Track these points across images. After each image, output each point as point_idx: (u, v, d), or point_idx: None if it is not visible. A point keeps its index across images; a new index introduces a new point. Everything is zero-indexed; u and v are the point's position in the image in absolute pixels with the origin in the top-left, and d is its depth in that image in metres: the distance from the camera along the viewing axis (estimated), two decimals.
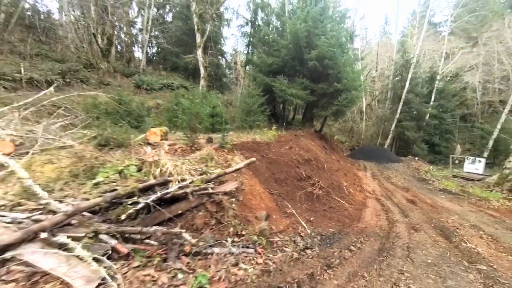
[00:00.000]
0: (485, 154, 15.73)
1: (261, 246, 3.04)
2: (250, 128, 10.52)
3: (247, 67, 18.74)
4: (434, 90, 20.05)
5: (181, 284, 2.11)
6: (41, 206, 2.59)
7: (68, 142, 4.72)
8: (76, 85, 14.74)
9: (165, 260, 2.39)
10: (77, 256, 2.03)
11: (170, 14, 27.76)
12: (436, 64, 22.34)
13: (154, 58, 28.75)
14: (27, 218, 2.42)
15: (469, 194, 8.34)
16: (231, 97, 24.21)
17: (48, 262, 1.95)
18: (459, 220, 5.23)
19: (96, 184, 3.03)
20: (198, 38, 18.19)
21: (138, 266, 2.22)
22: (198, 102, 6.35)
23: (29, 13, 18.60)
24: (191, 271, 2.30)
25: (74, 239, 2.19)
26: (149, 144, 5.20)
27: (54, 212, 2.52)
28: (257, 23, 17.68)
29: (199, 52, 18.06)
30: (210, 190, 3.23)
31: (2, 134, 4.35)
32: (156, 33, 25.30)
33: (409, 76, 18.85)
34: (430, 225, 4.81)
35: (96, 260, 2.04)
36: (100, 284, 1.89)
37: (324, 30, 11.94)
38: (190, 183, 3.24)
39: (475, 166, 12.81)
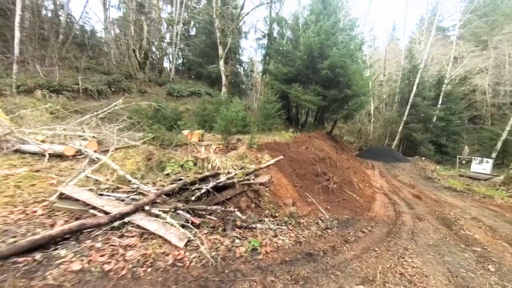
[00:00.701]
0: (494, 155, 15.09)
1: (291, 225, 3.59)
2: (269, 130, 11.07)
3: (264, 76, 19.24)
4: (442, 93, 19.41)
5: (239, 246, 2.71)
6: (133, 189, 3.32)
7: (131, 142, 5.56)
8: (120, 94, 16.08)
9: (224, 230, 3.01)
10: (168, 223, 2.70)
11: (194, 29, 29.01)
12: (444, 68, 21.55)
13: (180, 68, 30.18)
14: (127, 197, 3.15)
15: (474, 192, 8.30)
16: (248, 102, 24.89)
17: (152, 225, 2.64)
18: (461, 213, 5.43)
19: (167, 174, 3.74)
20: (220, 50, 18.98)
21: (207, 233, 2.86)
22: (233, 110, 6.96)
23: (78, 32, 20.32)
24: (244, 238, 2.90)
25: (163, 212, 2.87)
26: (190, 144, 5.92)
27: (143, 194, 3.23)
28: (273, 36, 18.18)
29: (221, 62, 18.85)
30: (251, 181, 3.83)
31: (87, 136, 5.25)
32: (182, 46, 26.60)
33: (417, 81, 18.43)
34: (433, 216, 5.08)
35: (182, 226, 2.70)
36: (187, 242, 2.54)
37: (336, 41, 12.20)
38: (234, 175, 3.85)
39: (482, 166, 12.42)
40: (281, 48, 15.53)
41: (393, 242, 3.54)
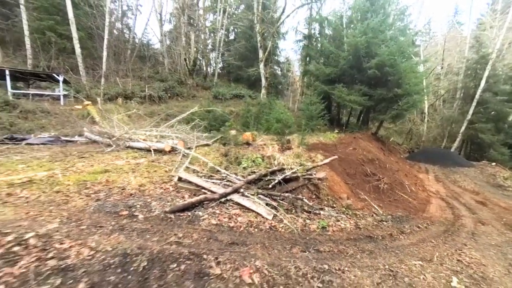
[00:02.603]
0: None
1: (348, 215, 4.24)
2: (311, 131, 11.59)
3: (304, 77, 19.61)
4: None
5: (311, 224, 3.54)
6: (223, 177, 4.46)
7: (204, 141, 6.91)
8: (174, 98, 18.68)
9: (295, 212, 3.87)
10: (257, 202, 3.69)
11: (233, 34, 31.05)
12: None
13: (220, 71, 32.69)
14: (220, 183, 4.29)
15: None
16: (286, 102, 25.52)
17: (246, 203, 3.67)
18: None
19: (244, 167, 4.81)
20: (260, 54, 20.12)
21: (283, 213, 3.76)
22: (288, 114, 7.82)
23: (139, 46, 24.00)
24: (312, 219, 3.71)
25: (251, 195, 3.89)
26: (248, 144, 7.01)
27: (231, 181, 4.34)
28: (314, 36, 18.43)
29: (261, 65, 19.97)
30: (313, 176, 4.61)
31: (173, 136, 6.80)
32: (223, 51, 28.82)
33: (486, 74, 16.20)
34: (499, 222, 4.98)
35: (267, 204, 3.66)
36: (273, 216, 3.48)
37: (384, 39, 11.91)
38: (296, 170, 4.69)
39: None
40: (322, 49, 15.73)
41: (450, 238, 3.86)
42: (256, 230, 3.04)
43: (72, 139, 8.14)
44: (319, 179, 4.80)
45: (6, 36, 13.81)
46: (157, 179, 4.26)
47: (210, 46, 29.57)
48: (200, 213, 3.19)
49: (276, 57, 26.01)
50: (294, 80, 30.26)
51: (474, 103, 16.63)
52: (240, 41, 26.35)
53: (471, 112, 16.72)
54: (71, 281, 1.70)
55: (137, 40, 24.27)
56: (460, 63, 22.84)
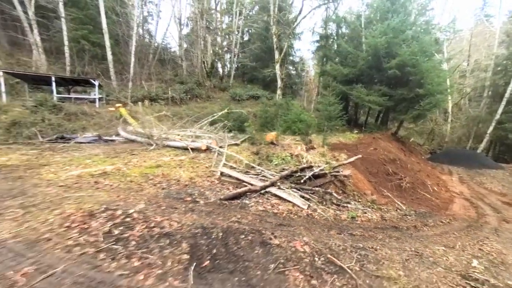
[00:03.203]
0: None
1: (373, 208, 4.69)
2: (330, 131, 11.95)
3: (321, 77, 19.87)
4: None
5: (341, 214, 4.05)
6: (258, 173, 5.08)
7: (232, 141, 7.57)
8: (193, 100, 19.71)
9: (325, 204, 4.40)
10: (292, 194, 4.26)
11: (247, 35, 31.84)
12: None
13: (234, 72, 33.59)
14: (256, 177, 4.91)
15: None
16: (302, 102, 25.82)
17: (283, 194, 4.25)
18: None
19: (276, 164, 5.41)
20: (276, 55, 20.61)
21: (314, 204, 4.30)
22: (312, 115, 8.33)
23: (159, 50, 25.34)
24: (342, 211, 4.22)
25: (286, 188, 4.46)
26: (272, 143, 7.58)
27: (265, 177, 4.94)
28: (332, 37, 18.66)
29: (277, 66, 20.47)
30: (339, 173, 5.10)
31: (206, 136, 7.54)
32: (239, 52, 29.65)
33: None
34: None
35: (301, 196, 4.23)
36: (308, 207, 4.03)
37: (406, 38, 11.99)
38: (324, 168, 5.20)
39: None
40: (340, 49, 15.97)
41: (473, 232, 4.19)
42: (296, 216, 3.61)
43: (112, 138, 9.19)
44: (345, 176, 5.28)
45: (47, 45, 15.45)
46: (202, 173, 4.96)
47: (225, 48, 30.50)
48: (247, 201, 3.82)
49: (291, 57, 26.41)
50: (310, 80, 30.43)
51: (503, 102, 16.05)
52: (255, 42, 27.03)
53: (500, 111, 16.15)
54: (175, 242, 2.38)
55: (157, 44, 25.73)
56: (488, 59, 21.91)
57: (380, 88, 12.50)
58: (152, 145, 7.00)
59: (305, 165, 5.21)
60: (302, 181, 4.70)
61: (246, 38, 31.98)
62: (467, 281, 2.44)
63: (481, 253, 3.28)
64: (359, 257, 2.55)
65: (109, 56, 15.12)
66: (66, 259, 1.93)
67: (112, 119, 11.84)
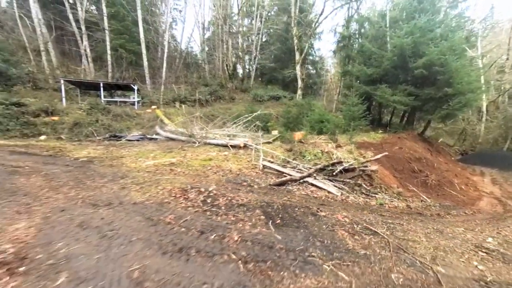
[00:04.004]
0: None
1: (399, 199, 5.37)
2: (353, 131, 12.47)
3: (343, 78, 20.22)
4: None
5: (370, 201, 4.82)
6: (294, 166, 5.98)
7: (262, 139, 8.53)
8: (217, 101, 21.08)
9: (356, 193, 5.18)
10: (326, 183, 5.11)
11: (265, 37, 32.82)
12: None
13: (254, 73, 34.70)
14: (294, 170, 5.82)
15: None
16: (322, 102, 26.19)
17: (319, 184, 5.12)
18: None
19: (309, 160, 6.27)
20: (297, 56, 21.33)
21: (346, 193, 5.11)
22: (339, 116, 9.07)
23: (184, 55, 27.13)
24: (371, 199, 4.98)
25: (320, 179, 5.32)
26: (301, 142, 8.41)
27: (301, 170, 5.83)
28: (355, 36, 18.98)
29: (298, 67, 21.19)
30: (367, 167, 5.84)
31: (241, 134, 8.59)
32: (259, 54, 30.71)
33: None
34: None
35: (334, 186, 5.06)
36: (341, 194, 4.86)
37: (434, 37, 12.09)
38: (352, 163, 5.96)
39: None
40: (363, 49, 16.27)
41: (495, 222, 4.72)
42: (332, 200, 4.47)
43: (154, 137, 10.63)
44: (372, 171, 6.00)
45: (91, 54, 17.70)
46: (246, 166, 5.99)
47: (245, 50, 31.74)
48: (290, 188, 4.75)
49: (311, 57, 26.92)
50: (330, 80, 30.60)
51: None
52: (274, 43, 27.92)
53: None
54: (251, 208, 3.37)
55: (183, 49, 27.66)
56: None
57: (405, 87, 12.69)
58: (195, 142, 8.21)
59: (335, 161, 6.01)
60: (334, 173, 5.52)
61: (264, 39, 32.99)
62: (479, 249, 3.13)
63: (498, 236, 3.87)
64: (389, 227, 3.36)
65: (145, 63, 16.95)
66: (188, 213, 3.00)
67: (150, 119, 13.45)
